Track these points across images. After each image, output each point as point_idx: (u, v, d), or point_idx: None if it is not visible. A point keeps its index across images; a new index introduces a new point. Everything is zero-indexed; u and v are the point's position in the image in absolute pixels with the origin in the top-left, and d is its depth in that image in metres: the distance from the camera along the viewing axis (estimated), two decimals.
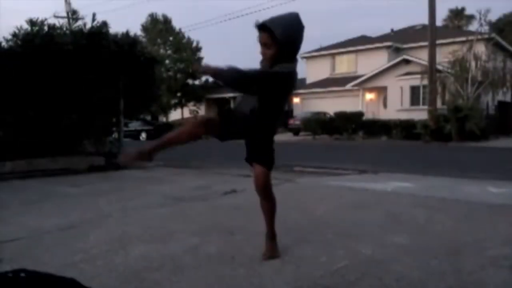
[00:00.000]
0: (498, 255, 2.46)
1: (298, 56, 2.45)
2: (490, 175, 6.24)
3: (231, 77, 2.12)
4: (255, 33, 2.26)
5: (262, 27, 2.20)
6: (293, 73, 2.26)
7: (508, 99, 26.36)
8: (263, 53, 2.27)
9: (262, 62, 2.37)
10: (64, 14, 22.33)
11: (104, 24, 7.47)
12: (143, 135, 24.51)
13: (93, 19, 7.31)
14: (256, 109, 2.29)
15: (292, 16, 2.24)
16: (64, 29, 7.39)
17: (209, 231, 3.05)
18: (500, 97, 22.97)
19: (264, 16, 2.27)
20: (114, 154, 7.74)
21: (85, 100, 6.95)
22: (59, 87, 6.58)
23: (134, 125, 23.43)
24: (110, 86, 7.25)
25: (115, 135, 8.25)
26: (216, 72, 2.11)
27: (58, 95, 6.64)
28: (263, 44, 2.23)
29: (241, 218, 3.43)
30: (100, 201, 4.32)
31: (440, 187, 5.10)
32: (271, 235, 2.49)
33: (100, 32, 7.25)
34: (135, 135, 23.60)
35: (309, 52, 29.65)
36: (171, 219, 3.45)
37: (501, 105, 23.30)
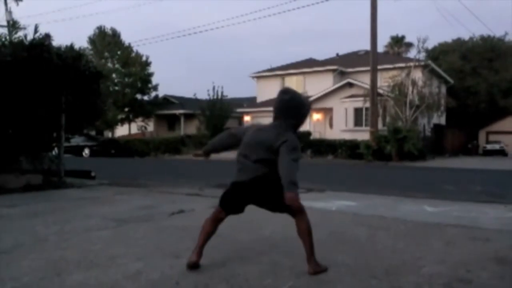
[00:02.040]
0: (433, 273, 2.61)
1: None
2: (427, 194, 6.63)
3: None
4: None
5: None
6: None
7: (443, 122, 28.40)
8: None
9: None
10: (4, 24, 21.10)
11: (47, 36, 7.16)
12: (86, 151, 23.44)
13: (35, 31, 6.99)
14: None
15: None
16: (3, 39, 7.00)
17: (153, 254, 2.96)
18: (435, 120, 24.67)
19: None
20: (54, 171, 7.33)
21: (23, 115, 6.56)
22: None
23: (77, 141, 22.18)
24: (51, 100, 6.91)
25: (55, 151, 7.83)
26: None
27: None
28: None
29: (188, 240, 3.36)
30: (36, 223, 4.05)
31: (380, 206, 5.33)
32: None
33: (42, 44, 6.92)
34: (78, 151, 22.50)
35: (260, 72, 30.24)
36: (112, 243, 3.30)
37: (436, 127, 25.01)
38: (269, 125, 2.72)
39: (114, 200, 5.65)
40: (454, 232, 3.77)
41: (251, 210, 4.89)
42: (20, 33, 7.30)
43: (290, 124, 2.63)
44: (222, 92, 28.20)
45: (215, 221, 2.71)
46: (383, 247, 3.24)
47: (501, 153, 30.29)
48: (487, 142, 33.67)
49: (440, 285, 2.40)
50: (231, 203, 2.73)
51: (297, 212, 2.59)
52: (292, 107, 2.65)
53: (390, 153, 17.78)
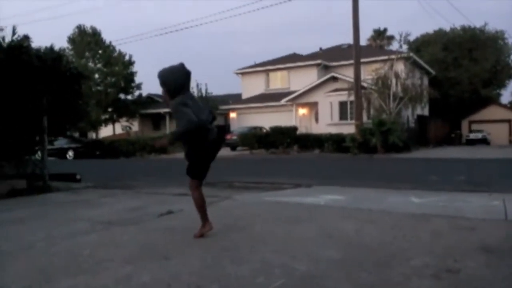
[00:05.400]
0: (421, 264, 2.65)
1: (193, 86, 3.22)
2: (412, 185, 6.72)
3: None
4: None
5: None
6: (179, 103, 3.22)
7: (426, 113, 28.80)
8: None
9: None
10: None
11: (26, 37, 7.02)
12: (70, 154, 23.07)
13: (14, 33, 6.83)
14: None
15: (173, 67, 3.32)
16: None
17: (143, 257, 2.93)
18: (418, 111, 24.99)
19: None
20: (38, 175, 7.20)
21: (3, 119, 6.42)
22: None
23: (61, 143, 21.71)
24: (32, 103, 6.78)
25: (39, 154, 7.69)
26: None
27: None
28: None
29: (178, 241, 3.35)
30: (22, 229, 3.98)
31: (367, 199, 5.39)
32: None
33: (21, 46, 6.78)
34: (62, 153, 22.12)
35: (244, 68, 30.19)
36: (101, 247, 3.26)
37: (420, 118, 25.35)
38: (190, 95, 3.37)
39: (100, 203, 5.58)
40: (440, 223, 3.83)
41: (239, 208, 4.89)
42: None
43: None
44: (206, 89, 28.10)
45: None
46: (371, 240, 3.28)
47: (484, 142, 30.89)
48: (470, 131, 34.27)
49: (429, 276, 2.44)
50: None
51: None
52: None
53: (375, 145, 17.96)
